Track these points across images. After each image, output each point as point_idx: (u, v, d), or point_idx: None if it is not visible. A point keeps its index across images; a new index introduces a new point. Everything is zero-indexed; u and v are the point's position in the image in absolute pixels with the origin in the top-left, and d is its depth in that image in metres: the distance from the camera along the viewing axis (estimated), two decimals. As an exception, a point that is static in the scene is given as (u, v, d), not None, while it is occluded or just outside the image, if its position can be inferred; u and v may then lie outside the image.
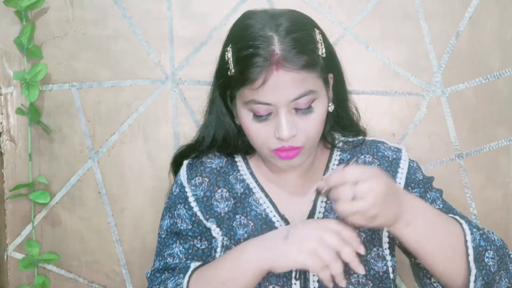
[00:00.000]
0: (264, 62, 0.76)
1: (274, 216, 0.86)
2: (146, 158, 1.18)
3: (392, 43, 1.16)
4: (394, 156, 0.90)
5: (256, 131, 0.82)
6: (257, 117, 0.81)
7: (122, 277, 1.20)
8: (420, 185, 0.89)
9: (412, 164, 0.91)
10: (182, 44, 1.16)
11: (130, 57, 1.16)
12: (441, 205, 0.89)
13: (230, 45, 0.82)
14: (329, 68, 0.84)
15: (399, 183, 0.88)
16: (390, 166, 0.89)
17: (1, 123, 1.18)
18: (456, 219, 0.81)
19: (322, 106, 0.82)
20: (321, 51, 0.81)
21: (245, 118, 0.82)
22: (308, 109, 0.80)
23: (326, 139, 0.92)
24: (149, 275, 0.92)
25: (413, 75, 1.17)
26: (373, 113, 1.16)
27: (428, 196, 0.89)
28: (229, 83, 0.82)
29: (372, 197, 0.67)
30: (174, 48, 1.16)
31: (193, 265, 0.86)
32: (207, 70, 1.15)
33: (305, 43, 0.79)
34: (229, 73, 0.81)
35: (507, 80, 1.17)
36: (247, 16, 0.83)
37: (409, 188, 0.88)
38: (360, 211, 0.68)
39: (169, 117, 1.17)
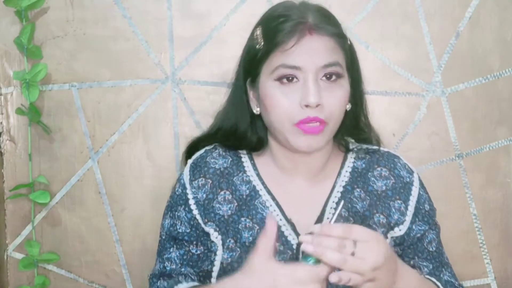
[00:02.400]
0: (296, 26, 0.78)
1: (281, 220, 0.84)
2: (146, 158, 1.18)
3: (392, 43, 1.16)
4: (408, 180, 0.89)
5: (280, 101, 0.79)
6: (283, 84, 0.79)
7: (122, 277, 1.20)
8: (425, 218, 0.88)
9: (421, 192, 0.89)
10: (182, 44, 1.16)
11: (130, 57, 1.16)
12: (434, 248, 0.89)
13: (259, 26, 0.84)
14: (351, 62, 0.85)
15: (410, 211, 0.87)
16: (403, 188, 0.88)
17: (1, 123, 1.18)
18: (436, 284, 0.84)
19: (345, 90, 0.82)
20: (348, 39, 0.85)
21: (270, 90, 0.80)
22: (335, 82, 0.80)
23: (340, 143, 0.90)
24: (149, 277, 0.93)
25: (413, 75, 1.17)
26: (373, 113, 1.16)
27: (427, 235, 0.89)
28: (255, 58, 0.82)
29: (372, 260, 0.67)
30: (174, 48, 1.16)
31: (182, 287, 0.85)
32: (207, 70, 1.16)
33: (335, 21, 0.84)
34: (257, 46, 0.82)
35: (507, 80, 1.17)
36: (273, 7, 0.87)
37: (416, 219, 0.88)
38: (358, 271, 0.66)
39: (169, 117, 1.17)
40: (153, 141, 1.18)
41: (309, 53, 0.78)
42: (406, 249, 0.88)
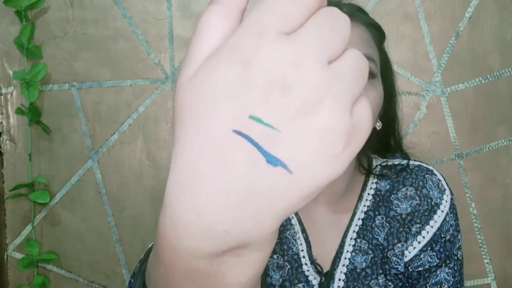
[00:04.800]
0: None
1: (304, 257, 0.75)
2: (146, 158, 1.18)
3: (392, 43, 1.16)
4: (437, 201, 0.76)
5: None
6: None
7: (122, 277, 1.20)
8: (441, 249, 0.75)
9: (448, 219, 0.76)
10: (182, 44, 1.16)
11: (130, 57, 1.16)
12: None
13: None
14: (386, 72, 0.77)
15: (423, 237, 0.75)
16: (428, 210, 0.75)
17: (1, 123, 1.18)
18: None
19: (379, 93, 0.71)
20: (385, 38, 0.78)
21: None
22: (368, 80, 0.68)
23: (361, 163, 0.79)
24: None
25: (413, 75, 1.17)
26: (373, 113, 1.16)
27: (437, 273, 0.75)
28: None
29: None
30: (174, 48, 1.16)
31: None
32: (207, 70, 1.16)
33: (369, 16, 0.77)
34: None
35: (507, 80, 1.17)
36: None
37: (429, 248, 0.75)
38: None
39: (169, 117, 1.17)
40: (153, 141, 1.18)
41: None
42: (400, 284, 0.75)
